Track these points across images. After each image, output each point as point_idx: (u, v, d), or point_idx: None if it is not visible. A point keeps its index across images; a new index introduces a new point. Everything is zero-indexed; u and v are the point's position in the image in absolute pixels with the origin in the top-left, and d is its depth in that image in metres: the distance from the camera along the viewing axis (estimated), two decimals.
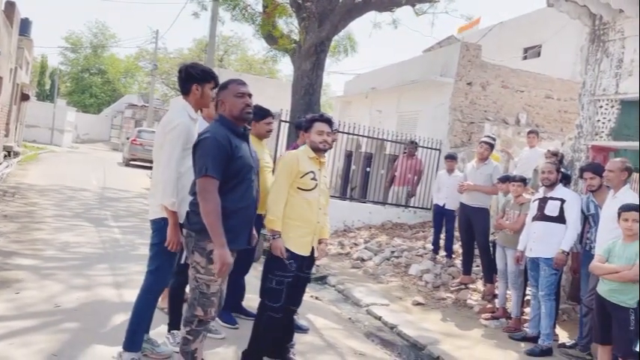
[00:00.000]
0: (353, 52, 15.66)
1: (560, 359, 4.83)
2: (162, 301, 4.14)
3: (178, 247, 3.39)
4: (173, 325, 3.96)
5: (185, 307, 3.25)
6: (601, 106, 6.14)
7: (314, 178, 3.70)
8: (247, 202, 3.20)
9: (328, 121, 3.83)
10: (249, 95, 3.23)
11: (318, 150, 3.76)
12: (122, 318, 4.13)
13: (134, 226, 8.85)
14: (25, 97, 22.04)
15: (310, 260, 3.83)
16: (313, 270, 4.64)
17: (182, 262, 3.61)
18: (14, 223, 7.74)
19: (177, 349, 3.50)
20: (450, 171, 7.68)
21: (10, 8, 15.71)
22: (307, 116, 4.06)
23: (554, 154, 6.42)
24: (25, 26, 19.86)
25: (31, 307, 4.44)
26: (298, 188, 3.67)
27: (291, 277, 3.66)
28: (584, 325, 4.94)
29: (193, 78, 3.49)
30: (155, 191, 3.49)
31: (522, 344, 5.08)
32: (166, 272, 3.53)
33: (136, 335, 3.47)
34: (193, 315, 3.12)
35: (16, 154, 18.64)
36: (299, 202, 3.67)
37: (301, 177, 3.66)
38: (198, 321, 3.12)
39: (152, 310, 3.56)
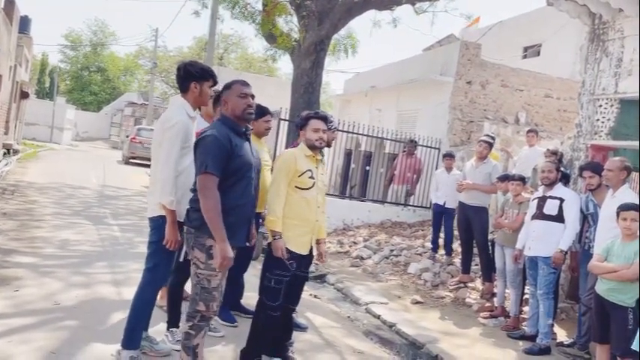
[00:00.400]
0: (354, 51, 15.59)
1: (558, 358, 4.84)
2: (161, 299, 4.14)
3: (176, 246, 3.39)
4: (172, 322, 3.96)
5: (184, 305, 3.26)
6: (600, 106, 6.14)
7: (312, 177, 3.69)
8: (246, 199, 3.24)
9: (324, 119, 3.82)
10: (252, 96, 3.29)
11: (314, 147, 3.74)
12: (121, 316, 4.12)
13: (133, 224, 8.86)
14: (24, 95, 22.04)
15: (308, 259, 3.83)
16: (312, 268, 4.65)
17: (181, 259, 3.62)
18: (13, 220, 7.74)
19: (176, 346, 3.51)
20: (449, 169, 7.68)
21: (9, 6, 15.70)
22: (303, 114, 4.05)
23: (554, 153, 6.43)
24: (24, 24, 19.86)
25: (30, 304, 4.44)
26: (296, 187, 3.66)
27: (289, 276, 3.66)
28: (582, 323, 4.95)
29: (192, 76, 3.49)
30: (154, 189, 3.49)
31: (521, 343, 5.08)
32: (164, 270, 3.53)
33: (134, 333, 3.47)
34: (196, 310, 3.15)
35: (16, 151, 18.63)
36: (297, 201, 3.66)
37: (299, 176, 3.65)
38: (200, 316, 3.15)
39: (151, 308, 3.56)
